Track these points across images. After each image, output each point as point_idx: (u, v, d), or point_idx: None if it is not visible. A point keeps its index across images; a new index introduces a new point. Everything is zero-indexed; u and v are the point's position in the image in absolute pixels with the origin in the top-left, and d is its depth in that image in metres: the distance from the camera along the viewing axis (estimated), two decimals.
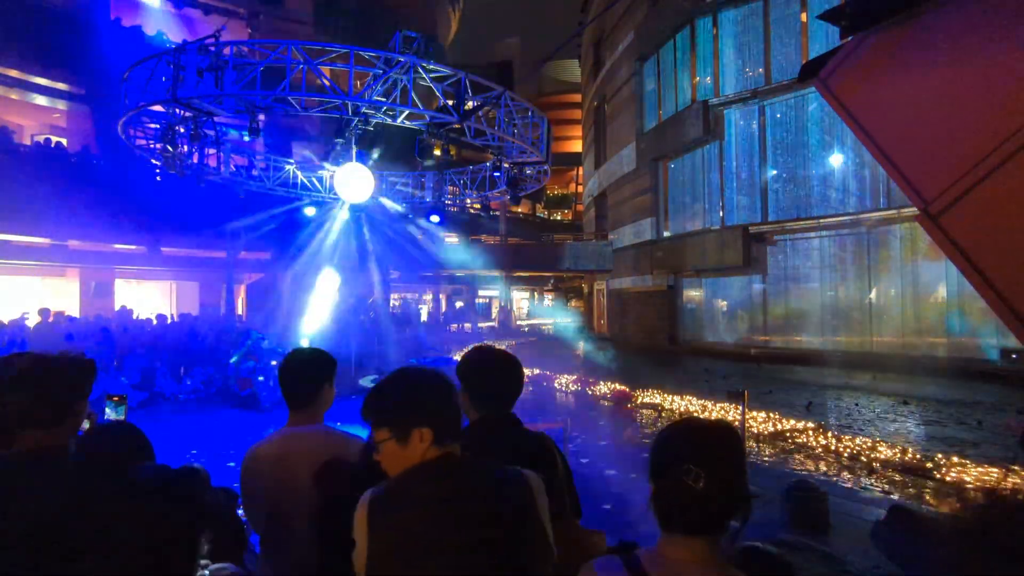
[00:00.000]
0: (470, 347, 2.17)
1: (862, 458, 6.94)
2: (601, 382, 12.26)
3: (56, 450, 1.50)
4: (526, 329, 31.97)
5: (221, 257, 15.59)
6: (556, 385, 12.77)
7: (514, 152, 10.71)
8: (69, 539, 1.29)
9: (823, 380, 13.15)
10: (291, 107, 9.12)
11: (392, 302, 24.98)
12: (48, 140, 14.32)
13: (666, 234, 19.90)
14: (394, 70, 8.23)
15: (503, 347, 2.18)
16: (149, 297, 16.37)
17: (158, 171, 12.00)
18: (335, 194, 12.29)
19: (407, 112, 8.79)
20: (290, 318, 15.18)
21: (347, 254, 18.35)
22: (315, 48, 8.45)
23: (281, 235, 15.73)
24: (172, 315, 14.83)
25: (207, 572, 1.40)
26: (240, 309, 17.21)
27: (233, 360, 10.71)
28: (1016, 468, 6.26)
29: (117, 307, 13.70)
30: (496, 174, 11.07)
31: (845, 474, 6.73)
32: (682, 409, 9.97)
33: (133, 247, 14.59)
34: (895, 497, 5.77)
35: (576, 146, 39.08)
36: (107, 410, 3.41)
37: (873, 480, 6.49)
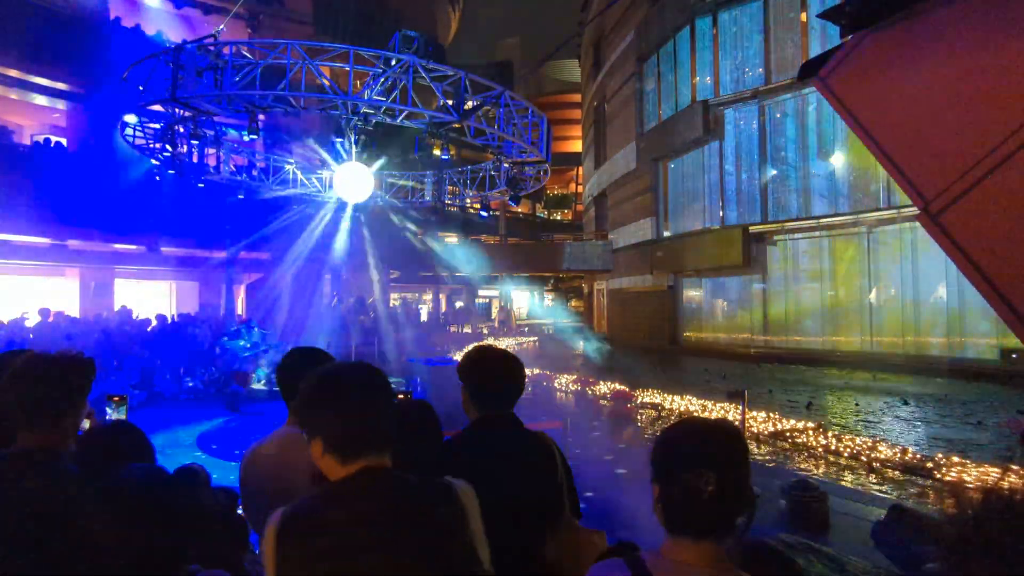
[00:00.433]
0: (471, 346, 2.16)
1: (862, 458, 6.93)
2: (601, 382, 12.25)
3: (55, 450, 1.50)
4: (526, 329, 31.95)
5: (221, 257, 15.59)
6: (556, 385, 12.76)
7: (514, 152, 10.71)
8: (64, 539, 1.29)
9: (823, 380, 13.15)
10: (291, 107, 9.12)
11: (392, 302, 24.98)
12: (48, 140, 14.31)
13: (666, 234, 19.90)
14: (393, 70, 8.23)
15: (504, 346, 2.18)
16: (149, 297, 16.36)
17: (156, 171, 11.98)
18: (335, 194, 12.30)
19: (407, 111, 8.79)
20: (290, 318, 15.18)
21: (347, 254, 18.36)
22: (315, 48, 8.45)
23: (281, 235, 15.74)
24: (172, 315, 14.83)
25: None
26: (240, 309, 17.20)
27: (242, 343, 10.70)
28: (1016, 468, 6.25)
29: (117, 307, 13.69)
30: (496, 174, 11.06)
31: (845, 474, 6.73)
32: (682, 409, 9.96)
33: (133, 247, 14.58)
34: (895, 497, 5.77)
35: (576, 146, 39.07)
36: (108, 410, 3.41)
37: (873, 480, 6.49)
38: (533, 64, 39.70)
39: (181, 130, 9.66)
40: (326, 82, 8.09)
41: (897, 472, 6.53)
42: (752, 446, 7.70)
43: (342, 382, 1.23)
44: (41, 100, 14.87)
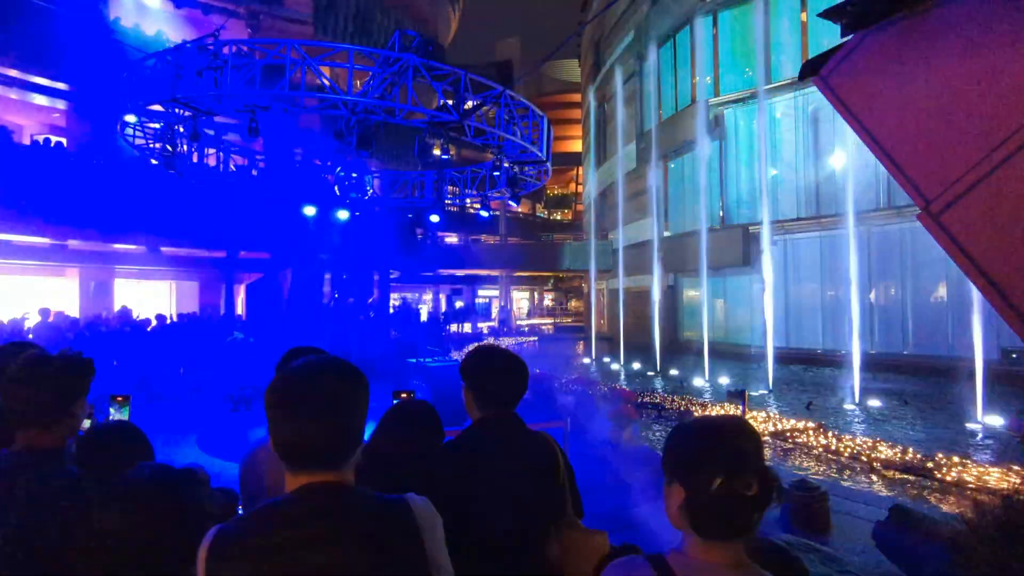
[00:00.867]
0: (474, 346, 2.16)
1: (862, 458, 6.93)
2: (601, 382, 12.25)
3: (54, 449, 1.50)
4: (526, 329, 31.95)
5: (221, 257, 15.58)
6: (556, 385, 12.76)
7: (514, 151, 10.70)
8: (64, 539, 1.29)
9: (823, 379, 13.15)
10: (290, 106, 9.11)
11: (392, 302, 24.96)
12: (48, 140, 14.31)
13: (666, 234, 19.90)
14: (393, 69, 8.22)
15: (505, 346, 2.18)
16: (149, 297, 16.36)
17: (156, 171, 11.98)
18: (335, 193, 12.30)
19: (406, 111, 8.78)
20: (289, 317, 15.17)
21: (347, 254, 18.36)
22: (314, 47, 8.44)
23: (281, 235, 15.73)
24: (172, 315, 14.83)
25: None
26: (240, 309, 17.21)
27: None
28: (1016, 468, 6.25)
29: (117, 307, 13.69)
30: (496, 174, 11.05)
31: (845, 474, 6.73)
32: (682, 409, 9.96)
33: (133, 247, 14.57)
34: (895, 497, 5.77)
35: (576, 146, 39.08)
36: (111, 410, 3.41)
37: (873, 480, 6.49)
38: (533, 64, 39.65)
39: (181, 130, 9.66)
40: (326, 82, 8.08)
41: (897, 472, 6.54)
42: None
43: (298, 386, 1.09)
44: (41, 100, 14.86)
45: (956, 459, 6.40)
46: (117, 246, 14.45)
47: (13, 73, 13.64)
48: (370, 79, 8.44)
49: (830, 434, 7.82)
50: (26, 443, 1.48)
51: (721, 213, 17.29)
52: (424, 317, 24.20)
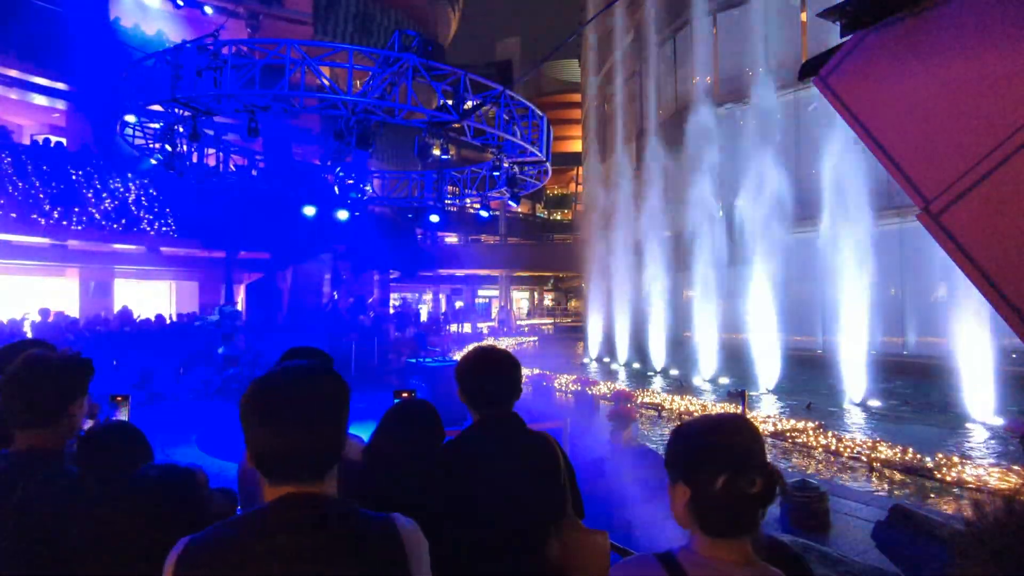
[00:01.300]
0: (469, 347, 2.16)
1: (862, 458, 6.93)
2: (601, 381, 12.26)
3: (53, 450, 1.50)
4: (526, 329, 31.97)
5: (221, 257, 15.59)
6: (556, 385, 12.76)
7: (514, 151, 10.70)
8: (63, 539, 1.29)
9: (823, 378, 13.13)
10: (290, 106, 9.12)
11: (392, 302, 24.99)
12: (47, 140, 14.31)
13: (666, 234, 19.90)
14: (393, 69, 8.22)
15: (503, 347, 2.17)
16: (149, 297, 16.35)
17: (156, 171, 11.98)
18: (335, 193, 12.30)
19: (406, 111, 8.79)
20: (289, 317, 15.17)
21: (346, 254, 18.35)
22: (314, 47, 8.44)
23: (281, 235, 15.74)
24: (171, 315, 14.83)
25: None
26: (239, 309, 17.21)
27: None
28: (1016, 468, 6.25)
29: (117, 307, 13.69)
30: (496, 174, 11.05)
31: (845, 474, 6.73)
32: (682, 408, 9.96)
33: (133, 247, 14.57)
34: (895, 497, 5.77)
35: (576, 146, 39.05)
36: (118, 410, 3.43)
37: (873, 480, 6.49)
38: (533, 64, 39.64)
39: (181, 130, 9.66)
40: (326, 82, 8.08)
41: (897, 472, 6.54)
42: None
43: (276, 391, 1.04)
44: (41, 100, 14.86)
45: (956, 459, 6.40)
46: (117, 246, 14.45)
47: (13, 73, 13.64)
48: (370, 79, 8.44)
49: (830, 434, 7.82)
50: (26, 443, 1.48)
51: (721, 213, 17.29)
52: (424, 317, 24.22)
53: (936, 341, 12.78)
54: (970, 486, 5.87)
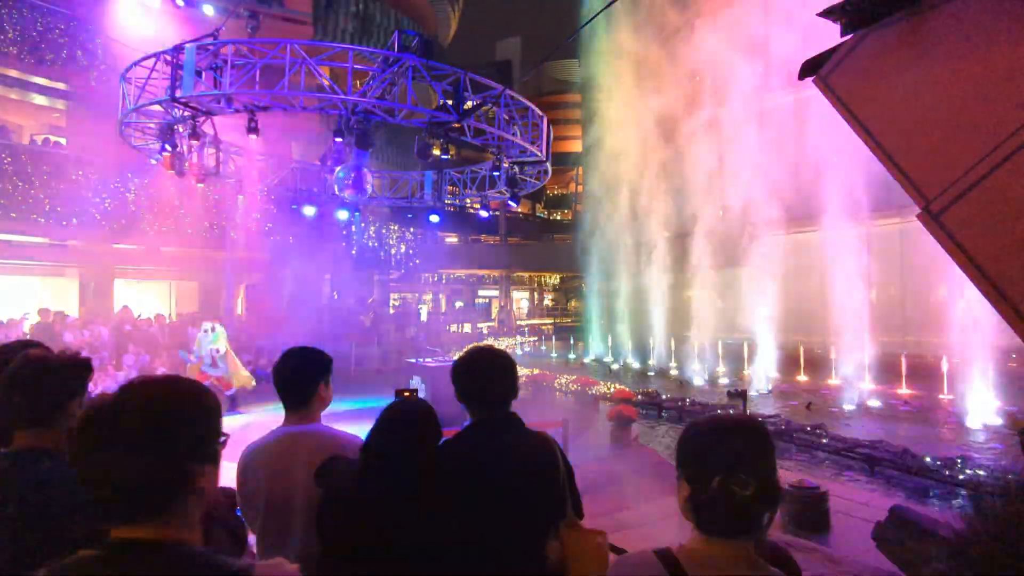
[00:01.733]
0: (466, 349, 2.16)
1: (862, 458, 6.93)
2: (602, 381, 12.26)
3: (52, 450, 1.49)
4: (526, 329, 31.96)
5: (221, 257, 15.57)
6: (556, 385, 12.76)
7: (514, 151, 10.69)
8: (63, 539, 1.28)
9: (823, 378, 13.13)
10: (290, 106, 9.11)
11: (392, 302, 24.97)
12: (47, 140, 14.30)
13: (667, 234, 19.90)
14: (392, 69, 8.21)
15: (502, 347, 2.17)
16: (149, 297, 16.34)
17: (156, 171, 11.97)
18: (335, 194, 12.28)
19: (406, 111, 8.78)
20: (289, 318, 15.16)
21: (347, 254, 18.35)
22: (314, 47, 8.44)
23: (281, 235, 15.73)
24: (171, 315, 14.83)
25: None
26: (240, 309, 17.20)
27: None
28: (1016, 468, 6.24)
29: (117, 307, 13.68)
30: (496, 174, 11.04)
31: (846, 474, 6.73)
32: (682, 408, 9.95)
33: (133, 247, 14.56)
34: (895, 497, 5.76)
35: (576, 146, 39.03)
36: None
37: (873, 480, 6.49)
38: (533, 64, 39.64)
39: (181, 130, 9.65)
40: (325, 82, 8.07)
41: (898, 471, 6.53)
42: None
43: (105, 413, 0.89)
44: (41, 100, 14.85)
45: (956, 459, 6.40)
46: (116, 246, 14.43)
47: (13, 73, 13.63)
48: (370, 79, 8.44)
49: (830, 434, 7.82)
50: (26, 443, 1.48)
51: (721, 213, 17.30)
52: (424, 317, 24.20)
53: (936, 341, 12.77)
54: (970, 486, 5.86)
